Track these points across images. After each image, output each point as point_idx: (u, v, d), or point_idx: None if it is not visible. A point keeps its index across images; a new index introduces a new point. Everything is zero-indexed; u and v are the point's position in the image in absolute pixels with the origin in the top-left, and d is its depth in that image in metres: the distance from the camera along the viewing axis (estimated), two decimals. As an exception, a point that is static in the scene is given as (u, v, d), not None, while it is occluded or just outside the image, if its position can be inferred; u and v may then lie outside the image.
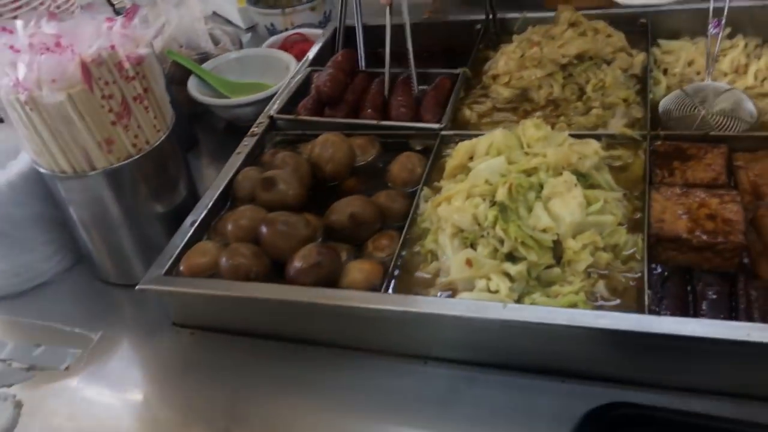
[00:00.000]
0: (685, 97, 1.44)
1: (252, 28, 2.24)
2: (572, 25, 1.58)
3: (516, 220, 1.11)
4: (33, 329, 1.31)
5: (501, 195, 1.14)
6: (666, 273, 1.09)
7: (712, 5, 1.60)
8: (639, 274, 1.08)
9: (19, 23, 1.14)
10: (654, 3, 1.73)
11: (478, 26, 1.77)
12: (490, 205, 1.15)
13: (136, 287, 1.18)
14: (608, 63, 1.54)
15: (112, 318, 1.32)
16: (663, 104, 1.44)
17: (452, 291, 1.11)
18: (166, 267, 1.20)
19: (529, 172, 1.20)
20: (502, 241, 1.11)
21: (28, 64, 1.09)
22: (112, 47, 1.13)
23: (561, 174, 1.20)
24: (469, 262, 1.10)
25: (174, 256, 1.22)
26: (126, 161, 1.22)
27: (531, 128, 1.30)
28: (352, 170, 1.41)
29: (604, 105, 1.45)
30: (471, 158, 1.30)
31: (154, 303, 1.29)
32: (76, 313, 1.34)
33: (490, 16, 1.72)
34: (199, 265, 1.21)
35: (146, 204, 1.30)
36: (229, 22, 2.32)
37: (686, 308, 1.05)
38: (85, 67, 1.10)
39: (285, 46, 1.97)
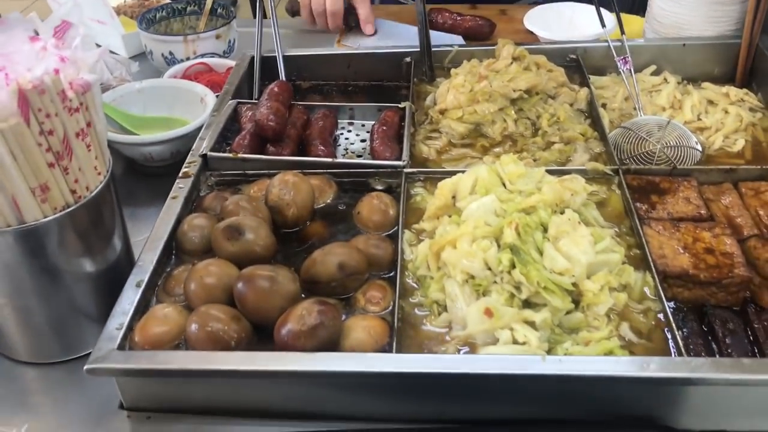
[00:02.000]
0: (630, 132, 1.45)
1: (137, 57, 2.00)
2: (515, 59, 1.55)
3: (533, 263, 1.02)
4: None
5: (509, 237, 1.06)
6: (684, 311, 1.06)
7: (611, 43, 1.66)
8: (661, 314, 1.04)
9: None
10: (577, 39, 1.76)
11: (408, 59, 1.69)
12: (499, 248, 1.06)
13: (85, 368, 0.94)
14: (552, 98, 1.53)
15: (35, 405, 1.07)
16: (611, 139, 1.44)
17: (471, 346, 1.01)
18: (119, 340, 0.98)
19: (527, 211, 1.13)
20: (518, 287, 1.03)
21: (-55, 91, 0.84)
22: (56, 72, 0.91)
23: (555, 212, 1.15)
24: (488, 312, 1.00)
25: (125, 325, 1.00)
26: (63, 212, 0.99)
27: (510, 164, 1.23)
28: (312, 214, 1.26)
29: (564, 140, 1.42)
30: (453, 197, 1.21)
31: (88, 383, 1.05)
32: (-17, 403, 1.07)
33: (425, 49, 1.65)
34: (160, 335, 1.00)
35: (78, 263, 1.06)
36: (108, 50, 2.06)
37: (710, 346, 1.03)
38: (23, 96, 0.87)
39: (187, 76, 1.77)
